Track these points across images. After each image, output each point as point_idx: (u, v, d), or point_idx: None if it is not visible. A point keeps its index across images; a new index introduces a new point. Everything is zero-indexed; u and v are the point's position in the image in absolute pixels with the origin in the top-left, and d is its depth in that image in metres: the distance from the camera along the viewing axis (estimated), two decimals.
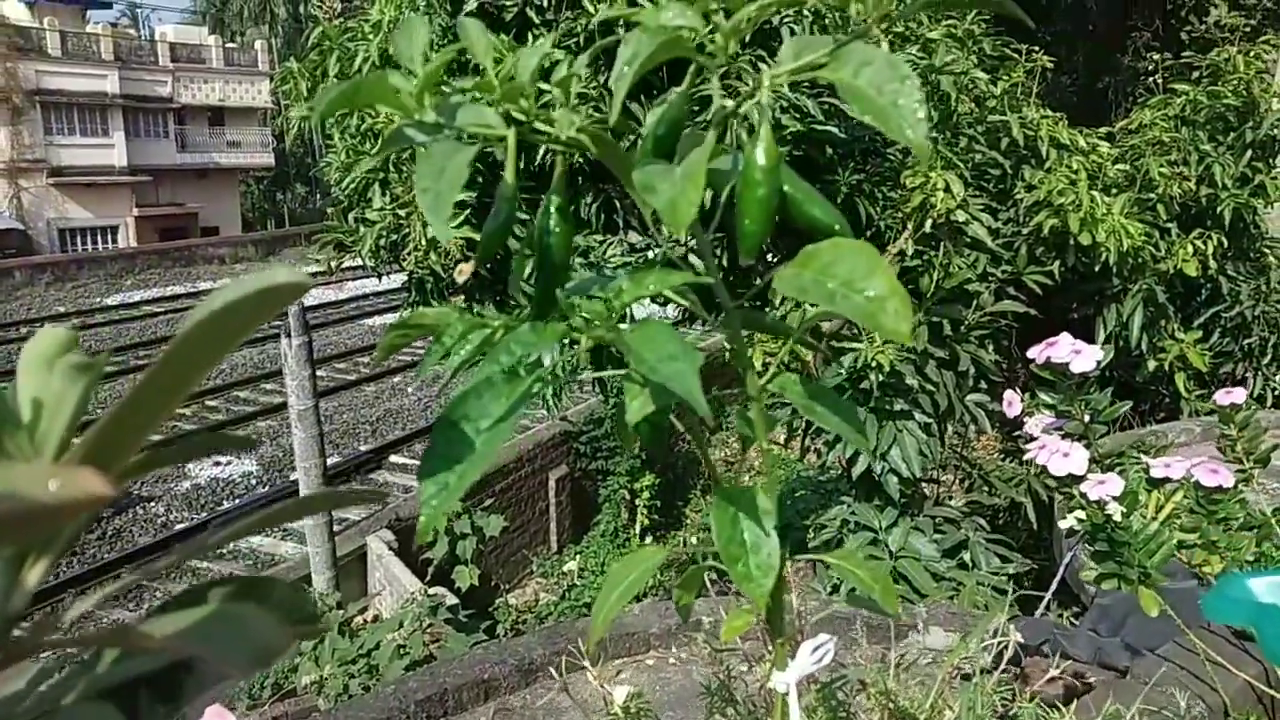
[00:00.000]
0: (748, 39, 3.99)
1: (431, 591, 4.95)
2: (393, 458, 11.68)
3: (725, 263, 4.80)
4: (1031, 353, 1.55)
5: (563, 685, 1.44)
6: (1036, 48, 5.06)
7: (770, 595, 0.63)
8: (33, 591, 0.36)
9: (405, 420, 13.05)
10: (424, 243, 3.90)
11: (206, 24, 40.33)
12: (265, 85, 32.00)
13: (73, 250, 27.38)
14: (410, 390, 14.50)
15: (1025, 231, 4.71)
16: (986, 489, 5.35)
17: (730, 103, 0.56)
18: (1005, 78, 4.75)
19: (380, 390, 14.40)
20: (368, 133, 4.04)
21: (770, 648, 0.69)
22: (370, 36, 4.04)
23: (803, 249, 0.52)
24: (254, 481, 11.10)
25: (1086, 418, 1.58)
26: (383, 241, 4.00)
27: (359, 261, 4.20)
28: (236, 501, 10.55)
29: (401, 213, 3.97)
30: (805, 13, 4.14)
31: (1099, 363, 1.48)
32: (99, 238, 28.67)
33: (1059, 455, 1.50)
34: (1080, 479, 1.49)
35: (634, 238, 4.43)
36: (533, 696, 2.42)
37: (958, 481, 5.97)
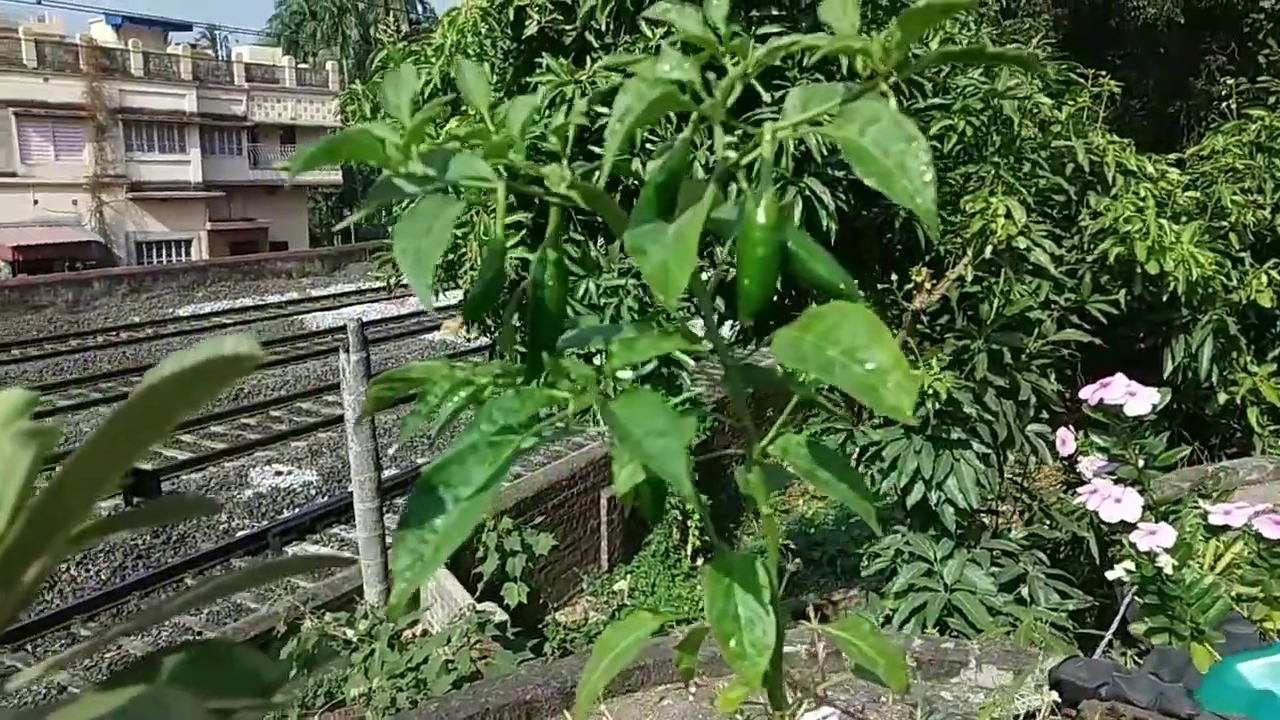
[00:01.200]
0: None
1: (480, 608, 4.98)
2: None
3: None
4: (1084, 393, 1.50)
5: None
6: (1104, 72, 4.96)
7: (770, 664, 0.61)
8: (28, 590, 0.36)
9: (460, 434, 13.20)
10: (480, 262, 3.95)
11: (281, 45, 41.56)
12: (335, 105, 32.82)
13: (148, 262, 28.32)
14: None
15: (1090, 259, 4.60)
16: (1047, 522, 5.21)
17: (734, 154, 0.55)
18: (1071, 102, 4.66)
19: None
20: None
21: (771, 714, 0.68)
22: (432, 60, 4.12)
23: (805, 310, 0.51)
24: (313, 491, 11.30)
25: (1141, 462, 1.52)
26: (439, 260, 4.06)
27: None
28: (296, 510, 10.74)
29: (458, 232, 4.02)
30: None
31: (1155, 406, 1.43)
32: (173, 251, 29.61)
33: (1110, 501, 1.44)
34: (1132, 527, 1.44)
35: None
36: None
37: (1017, 513, 5.82)
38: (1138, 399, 1.42)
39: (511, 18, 4.45)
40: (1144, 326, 5.00)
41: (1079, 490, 1.53)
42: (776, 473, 0.60)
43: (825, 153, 3.87)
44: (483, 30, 4.48)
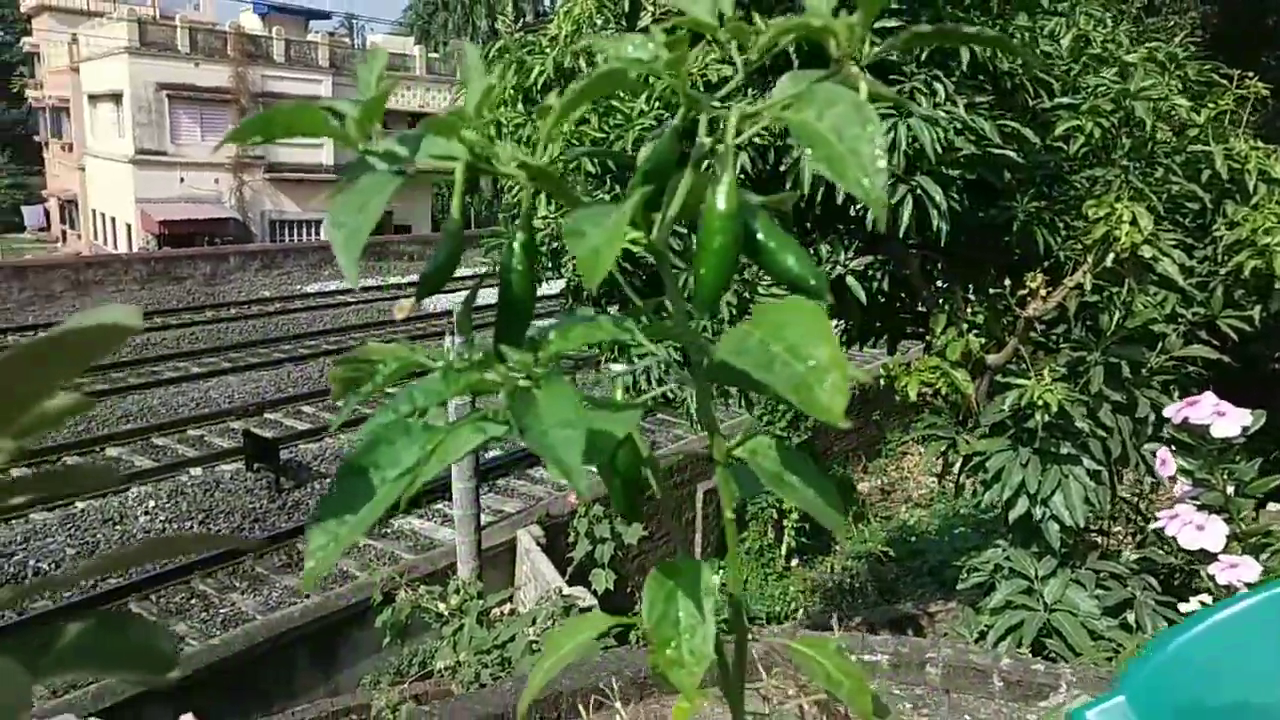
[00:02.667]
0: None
1: (567, 591, 5.06)
2: (499, 480, 11.96)
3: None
4: (1168, 411, 1.40)
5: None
6: (1251, 73, 4.65)
7: (732, 675, 0.60)
8: None
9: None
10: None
11: (414, 35, 42.89)
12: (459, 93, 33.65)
13: (281, 240, 29.72)
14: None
15: (1223, 272, 4.32)
16: (1162, 546, 4.94)
17: (709, 140, 0.53)
18: (1211, 105, 4.38)
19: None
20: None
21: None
22: (547, 50, 4.18)
23: (757, 305, 0.49)
24: None
25: (1230, 489, 1.41)
26: (543, 248, 4.12)
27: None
28: None
29: (564, 221, 4.07)
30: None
31: (1247, 429, 1.32)
32: (304, 230, 30.97)
33: (1192, 528, 1.35)
34: (1212, 557, 1.33)
35: None
36: (645, 712, 2.42)
37: (1129, 535, 5.54)
38: (1227, 420, 1.32)
39: (626, 9, 4.47)
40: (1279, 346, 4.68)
41: (1159, 514, 1.44)
42: (749, 476, 0.58)
43: (940, 150, 3.75)
44: (598, 22, 4.51)
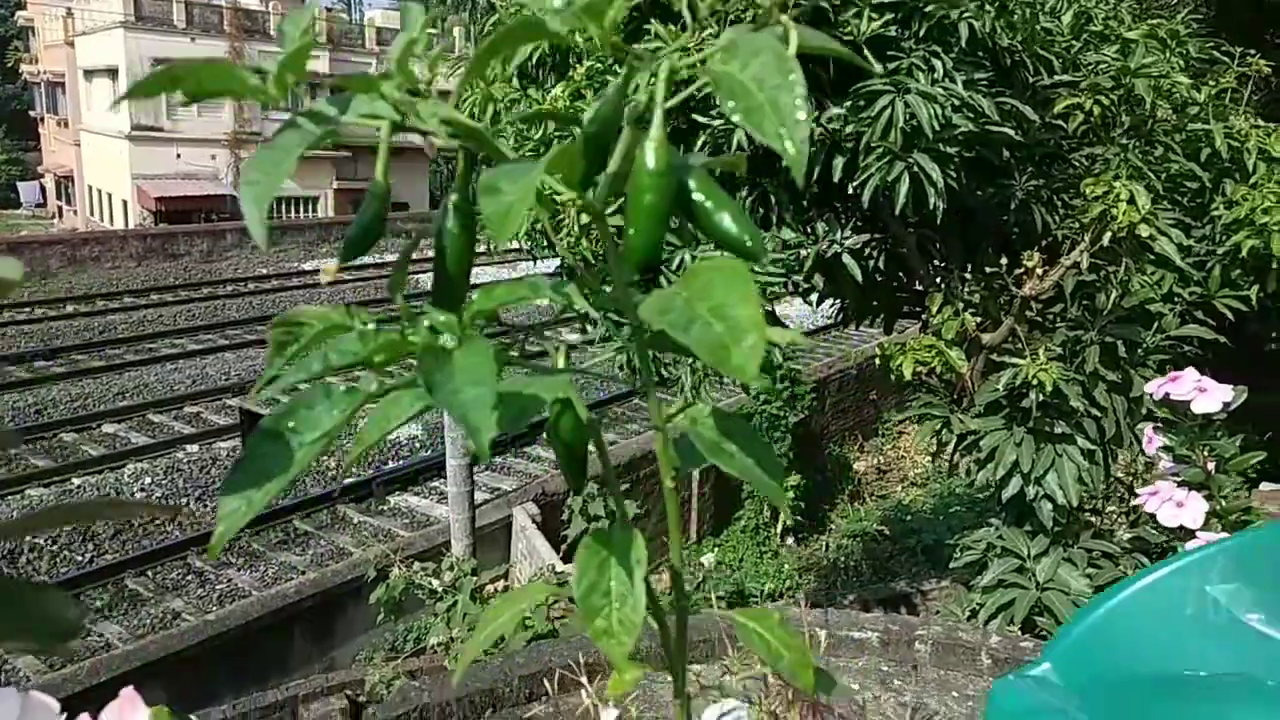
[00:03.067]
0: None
1: (560, 569, 5.06)
2: (525, 446, 11.99)
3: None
4: (1150, 387, 1.39)
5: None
6: (1253, 51, 4.61)
7: (673, 647, 0.58)
8: None
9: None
10: (577, 229, 3.96)
11: None
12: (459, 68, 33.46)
13: (278, 217, 29.60)
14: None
15: (1221, 251, 4.30)
16: (1154, 526, 4.94)
17: (644, 96, 0.51)
18: (1212, 83, 4.34)
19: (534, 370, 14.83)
20: (534, 118, 4.14)
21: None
22: None
23: (690, 266, 0.47)
24: (418, 445, 11.66)
25: (1211, 465, 1.40)
26: (539, 225, 4.09)
27: (517, 245, 4.31)
28: (401, 462, 11.12)
29: (559, 197, 4.04)
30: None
31: (1228, 404, 1.31)
32: (301, 207, 30.86)
33: (1171, 505, 1.34)
34: (1191, 534, 1.33)
35: (787, 233, 4.34)
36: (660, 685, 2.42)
37: (1123, 515, 5.55)
38: (1208, 395, 1.31)
39: None
40: (1276, 325, 4.66)
41: (1139, 491, 1.43)
42: (689, 447, 0.56)
43: (937, 127, 3.72)
44: None
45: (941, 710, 2.28)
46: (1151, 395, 1.35)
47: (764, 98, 0.40)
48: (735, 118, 0.41)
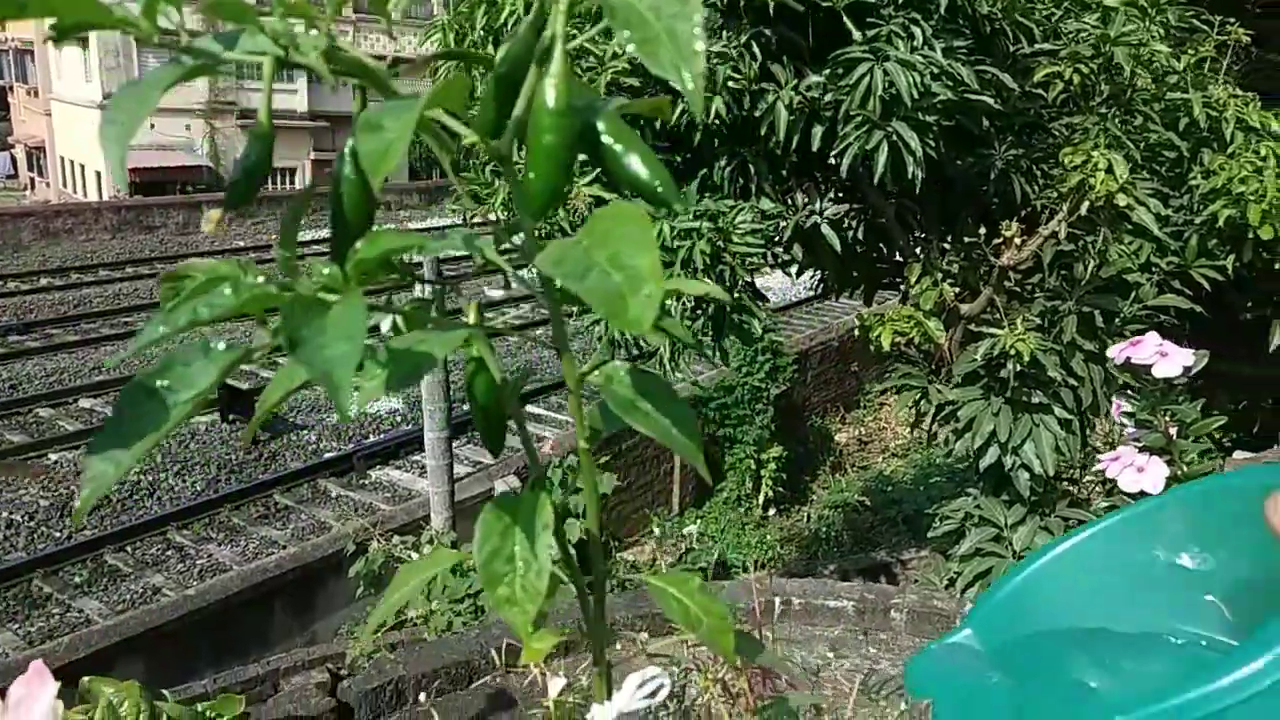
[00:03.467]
0: None
1: None
2: (529, 407, 11.98)
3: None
4: (1112, 352, 1.38)
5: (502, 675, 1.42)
6: (1233, 20, 4.59)
7: (593, 615, 0.57)
8: None
9: (543, 372, 13.35)
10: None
11: None
12: (438, 38, 33.03)
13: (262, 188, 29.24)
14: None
15: (1198, 221, 4.31)
16: (1129, 495, 4.99)
17: (548, 33, 0.48)
18: (1191, 52, 4.33)
19: (523, 341, 14.77)
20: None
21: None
22: None
23: (593, 212, 0.44)
24: (399, 419, 11.61)
25: (1173, 430, 1.40)
26: (514, 195, 4.04)
27: (494, 215, 4.27)
28: (381, 436, 11.08)
29: None
30: None
31: (1189, 369, 1.31)
32: (279, 179, 30.48)
33: (1133, 470, 1.34)
34: None
35: (766, 204, 4.31)
36: (610, 655, 2.42)
37: (1100, 484, 5.60)
38: (1169, 360, 1.30)
39: None
40: (1253, 296, 4.69)
41: (1101, 457, 1.43)
42: (609, 412, 0.54)
43: (916, 95, 3.69)
44: None
45: (895, 674, 2.28)
46: (1113, 360, 1.35)
47: (661, 27, 0.37)
48: (630, 48, 0.39)
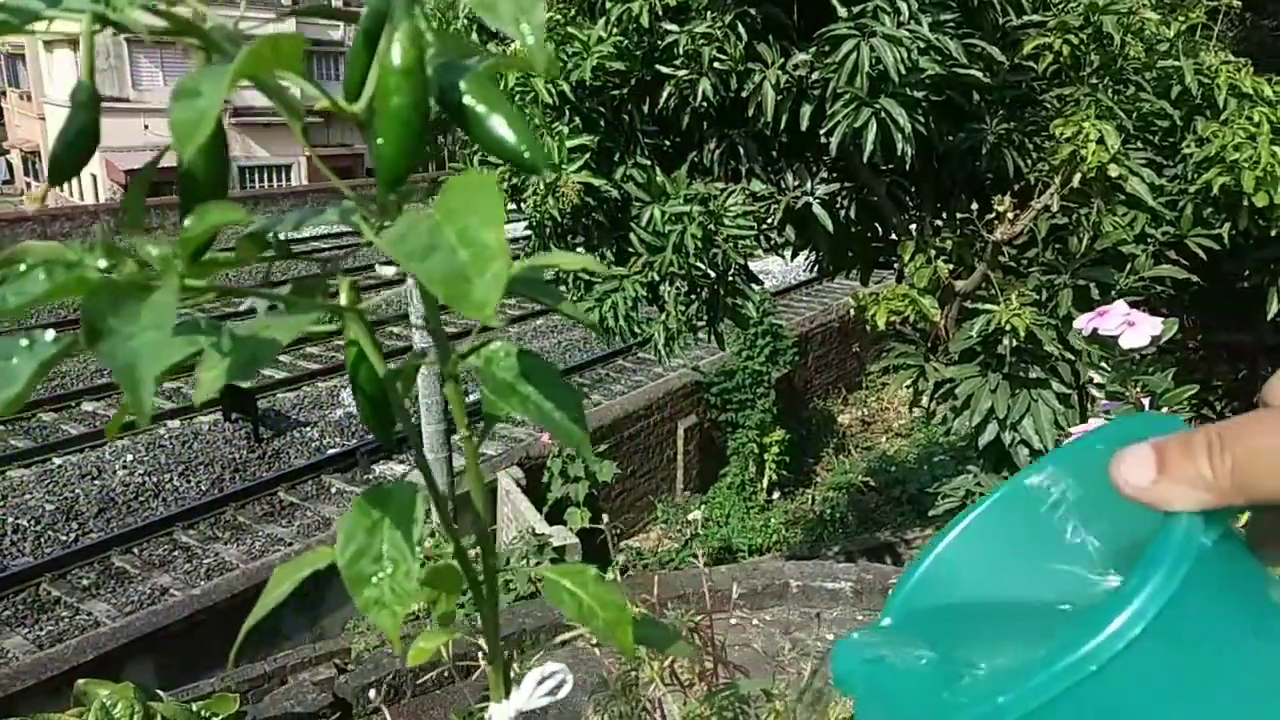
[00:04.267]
0: None
1: (539, 531, 5.05)
2: None
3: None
4: (1078, 323, 1.36)
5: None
6: None
7: (485, 607, 0.55)
8: None
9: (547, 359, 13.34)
10: (542, 186, 3.89)
11: None
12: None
13: (251, 187, 29.21)
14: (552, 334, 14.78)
15: (1193, 190, 4.27)
16: None
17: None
18: (1181, 19, 4.29)
19: (523, 331, 14.76)
20: (495, 75, 4.05)
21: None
22: None
23: (447, 181, 0.41)
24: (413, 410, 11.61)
25: (1146, 401, 1.38)
26: (503, 185, 4.02)
27: None
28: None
29: None
30: None
31: (1156, 338, 1.29)
32: (275, 175, 30.42)
33: None
34: None
35: (757, 186, 4.29)
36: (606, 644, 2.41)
37: None
38: (1136, 329, 1.28)
39: None
40: (1249, 264, 4.65)
41: (1071, 429, 1.42)
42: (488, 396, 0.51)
43: (903, 70, 3.66)
44: None
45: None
46: (1080, 331, 1.33)
47: None
48: (472, 6, 0.36)
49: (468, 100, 0.43)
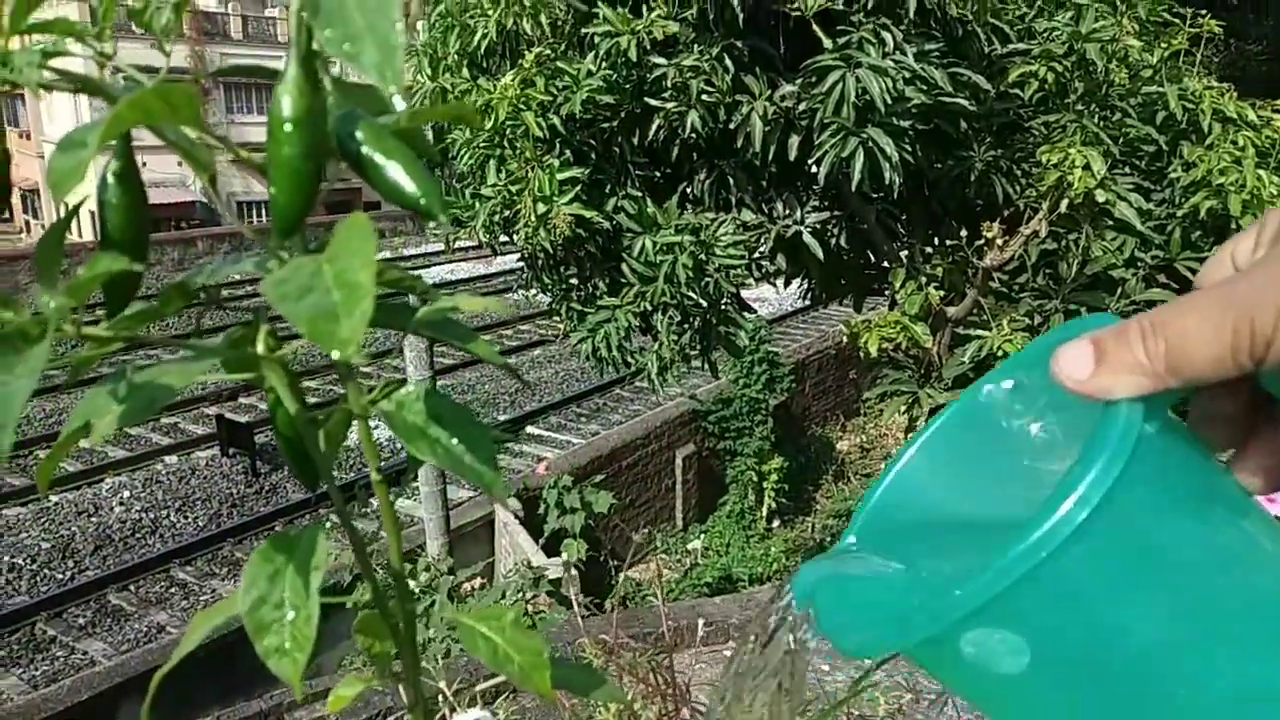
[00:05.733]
0: None
1: (535, 563, 5.03)
2: (529, 429, 11.96)
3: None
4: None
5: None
6: (1204, 10, 4.60)
7: (405, 652, 0.55)
8: None
9: (542, 392, 13.34)
10: (534, 218, 3.92)
11: None
12: (414, 63, 33.18)
13: (249, 221, 29.24)
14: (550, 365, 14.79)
15: (1180, 213, 4.30)
16: None
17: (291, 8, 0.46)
18: (1164, 45, 4.33)
19: (520, 362, 14.78)
20: (486, 108, 4.09)
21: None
22: (490, 11, 4.08)
23: (337, 224, 0.42)
24: (398, 445, 11.59)
25: None
26: (496, 217, 4.04)
27: (473, 240, 4.27)
28: (382, 464, 11.04)
29: (514, 188, 3.99)
30: None
31: None
32: None
33: None
34: None
35: (747, 215, 4.31)
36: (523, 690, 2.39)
37: None
38: None
39: None
40: None
41: None
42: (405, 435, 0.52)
43: (889, 100, 3.69)
44: None
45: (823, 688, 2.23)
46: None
47: (364, 23, 0.35)
48: (330, 48, 0.36)
49: (365, 150, 0.43)
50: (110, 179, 0.46)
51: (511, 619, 0.52)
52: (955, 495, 0.51)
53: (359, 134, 0.43)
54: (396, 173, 0.43)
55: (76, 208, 0.47)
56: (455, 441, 0.48)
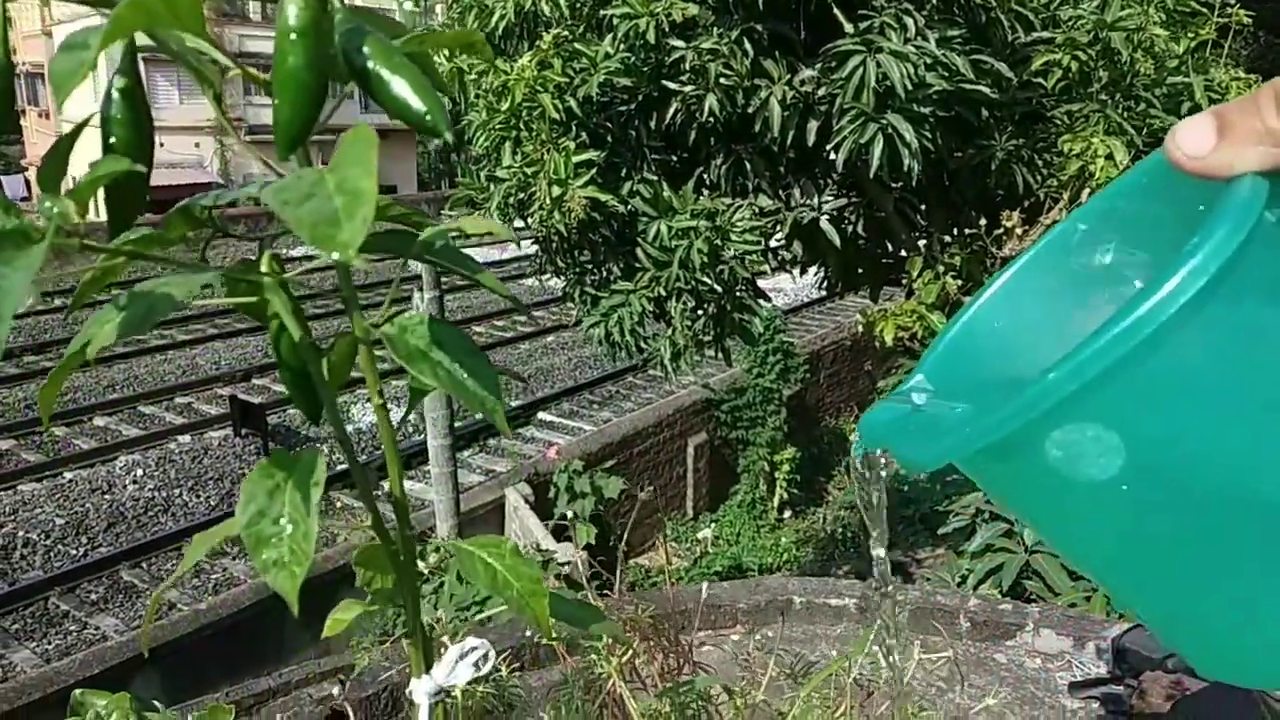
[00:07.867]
0: None
1: (544, 547, 5.02)
2: (541, 414, 11.96)
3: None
4: None
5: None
6: (1233, 2, 4.52)
7: (404, 579, 0.54)
8: None
9: (555, 379, 13.34)
10: (549, 201, 3.89)
11: None
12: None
13: (265, 205, 29.45)
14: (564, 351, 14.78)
15: None
16: None
17: None
18: (1191, 35, 4.27)
19: (534, 348, 14.77)
20: (502, 89, 4.06)
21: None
22: None
23: (342, 136, 0.41)
24: (410, 429, 11.61)
25: None
26: (510, 199, 4.02)
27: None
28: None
29: (529, 170, 3.97)
30: None
31: None
32: None
33: None
34: None
35: (764, 201, 4.28)
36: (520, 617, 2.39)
37: None
38: None
39: None
40: None
41: None
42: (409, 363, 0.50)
43: (910, 86, 3.65)
44: None
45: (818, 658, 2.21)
46: None
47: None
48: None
49: (371, 64, 0.42)
50: (115, 95, 0.45)
51: (511, 548, 0.51)
52: (1025, 345, 0.49)
53: (366, 48, 0.42)
54: (402, 88, 0.41)
55: (84, 123, 0.45)
56: (458, 366, 0.46)
